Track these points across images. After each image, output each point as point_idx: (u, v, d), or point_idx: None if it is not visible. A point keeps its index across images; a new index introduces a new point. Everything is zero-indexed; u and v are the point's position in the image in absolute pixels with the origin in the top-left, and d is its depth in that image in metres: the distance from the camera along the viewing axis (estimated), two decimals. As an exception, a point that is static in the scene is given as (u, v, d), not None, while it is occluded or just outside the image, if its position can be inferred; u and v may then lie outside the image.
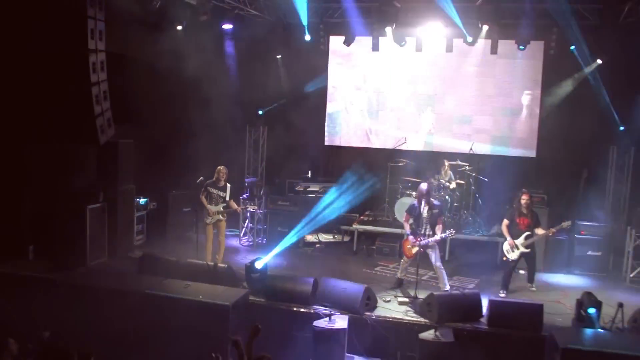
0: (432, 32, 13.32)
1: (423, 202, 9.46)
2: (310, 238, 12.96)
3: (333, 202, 13.09)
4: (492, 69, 14.00)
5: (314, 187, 13.34)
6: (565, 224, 9.87)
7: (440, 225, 9.51)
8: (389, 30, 12.73)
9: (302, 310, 8.59)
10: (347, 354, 8.08)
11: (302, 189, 13.30)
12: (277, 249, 10.63)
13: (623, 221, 12.27)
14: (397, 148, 13.68)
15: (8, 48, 9.04)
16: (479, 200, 12.98)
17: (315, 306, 8.62)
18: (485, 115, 14.14)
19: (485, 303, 8.61)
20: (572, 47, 13.05)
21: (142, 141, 11.72)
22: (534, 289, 10.37)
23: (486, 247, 12.09)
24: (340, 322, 8.05)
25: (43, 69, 8.87)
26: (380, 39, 13.50)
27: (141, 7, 10.44)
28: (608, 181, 13.09)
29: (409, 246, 9.62)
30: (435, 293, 8.59)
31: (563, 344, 7.31)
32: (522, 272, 10.79)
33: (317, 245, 12.72)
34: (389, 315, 8.61)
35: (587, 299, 8.50)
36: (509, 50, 13.34)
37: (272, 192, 13.37)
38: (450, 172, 12.84)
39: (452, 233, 9.55)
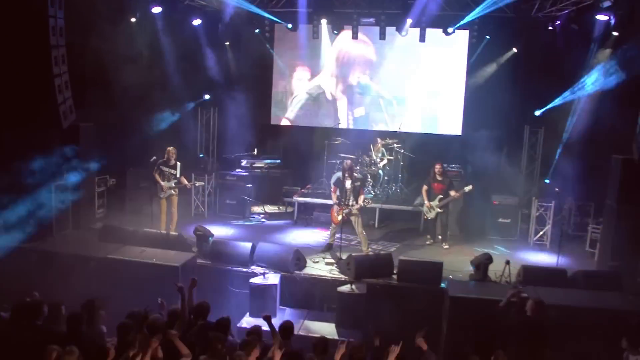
0: (367, 22, 14.72)
1: (347, 176, 10.96)
2: (256, 209, 14.39)
3: (276, 176, 14.60)
4: (421, 55, 15.46)
5: (259, 163, 14.75)
6: (467, 188, 11.92)
7: (362, 196, 11.05)
8: (324, 21, 14.16)
9: (242, 270, 10.05)
10: (279, 307, 9.60)
11: (248, 165, 14.68)
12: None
13: (534, 194, 13.94)
14: (335, 127, 15.17)
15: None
16: (407, 174, 14.56)
17: (252, 266, 10.09)
18: (415, 97, 15.64)
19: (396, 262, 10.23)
20: (487, 37, 14.65)
21: (102, 124, 12.86)
22: (446, 247, 12.17)
23: (411, 216, 13.73)
24: (273, 279, 9.57)
25: (10, 63, 9.99)
26: (320, 27, 14.88)
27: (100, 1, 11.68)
28: (522, 158, 14.71)
29: (335, 214, 11.14)
30: (353, 254, 10.13)
31: (453, 293, 8.98)
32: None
33: (262, 215, 14.16)
34: (315, 273, 10.15)
35: (481, 258, 10.14)
36: (436, 37, 14.77)
37: (221, 168, 14.74)
38: (382, 149, 14.36)
39: (369, 202, 11.20)
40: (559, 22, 13.72)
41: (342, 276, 10.00)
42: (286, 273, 9.91)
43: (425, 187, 12.33)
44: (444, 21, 14.34)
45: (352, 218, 11.02)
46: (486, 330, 7.76)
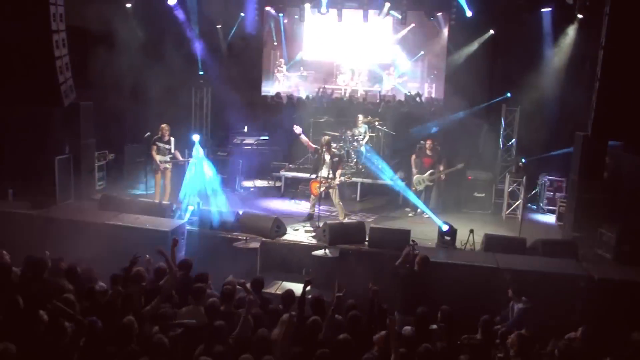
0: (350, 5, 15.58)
1: (324, 151, 11.85)
2: (247, 183, 15.31)
3: (266, 152, 15.51)
4: (404, 35, 16.27)
5: (249, 140, 15.64)
6: (459, 165, 13.02)
7: (340, 170, 11.95)
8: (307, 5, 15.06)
9: (226, 236, 10.99)
10: (260, 271, 10.51)
11: (239, 141, 15.58)
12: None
13: (509, 170, 14.78)
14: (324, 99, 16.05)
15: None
16: (388, 150, 15.42)
17: (236, 233, 11.02)
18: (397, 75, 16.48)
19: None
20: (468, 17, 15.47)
21: (102, 103, 13.74)
22: (426, 216, 12.97)
23: (391, 191, 14.60)
24: (254, 244, 10.53)
25: (15, 47, 10.89)
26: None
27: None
28: (500, 136, 15.53)
29: (315, 187, 12.05)
30: (328, 222, 11.06)
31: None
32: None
33: (251, 188, 15.08)
34: (293, 240, 11.10)
35: (448, 227, 11.04)
36: (418, 19, 15.57)
37: (214, 144, 15.65)
38: (364, 126, 15.22)
39: (349, 178, 12.13)
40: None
41: (318, 242, 10.91)
42: (267, 239, 10.82)
43: (413, 157, 13.37)
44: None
45: (330, 190, 11.92)
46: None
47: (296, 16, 16.64)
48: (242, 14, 15.86)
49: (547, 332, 7.26)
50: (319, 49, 16.79)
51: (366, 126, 15.17)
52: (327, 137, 12.03)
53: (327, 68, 18.68)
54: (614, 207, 11.90)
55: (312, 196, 12.30)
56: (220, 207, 11.54)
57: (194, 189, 12.28)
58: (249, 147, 15.50)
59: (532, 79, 14.92)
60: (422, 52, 17.99)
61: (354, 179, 13.95)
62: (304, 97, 17.65)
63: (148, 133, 12.59)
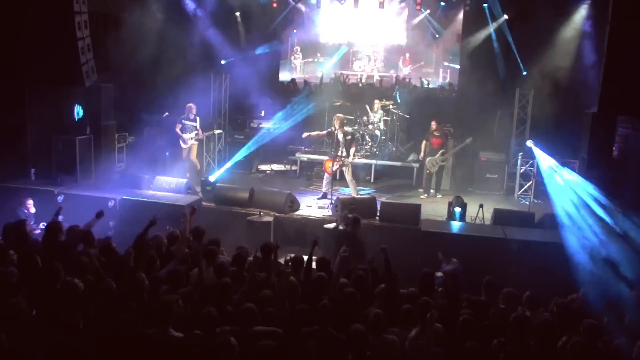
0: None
1: (338, 129, 12.10)
2: (263, 167, 15.62)
3: (282, 135, 15.80)
4: (420, 21, 16.44)
5: (266, 124, 15.93)
6: (468, 140, 13.08)
7: (353, 149, 12.20)
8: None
9: (240, 211, 11.30)
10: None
11: (255, 125, 15.89)
12: (227, 166, 13.70)
13: (522, 151, 14.89)
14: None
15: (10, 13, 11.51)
16: (402, 134, 15.63)
17: (250, 208, 11.32)
18: (412, 61, 16.65)
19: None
20: (485, 5, 15.61)
21: (122, 87, 14.14)
22: (440, 196, 13.24)
23: (405, 172, 14.84)
24: (267, 217, 10.82)
25: (40, 27, 11.32)
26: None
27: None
28: (513, 119, 15.63)
29: (328, 165, 12.31)
30: (340, 197, 11.32)
31: (425, 228, 10.13)
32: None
33: (268, 172, 15.38)
34: (306, 214, 11.37)
35: (456, 201, 11.24)
36: (433, 4, 15.75)
37: (233, 128, 15.99)
38: (381, 111, 15.45)
39: (362, 154, 12.38)
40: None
41: (331, 217, 11.17)
42: (280, 214, 11.11)
43: (424, 142, 13.49)
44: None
45: (344, 168, 12.19)
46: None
47: (313, 1, 16.90)
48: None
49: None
50: (336, 35, 17.01)
51: (382, 112, 15.38)
52: (340, 116, 12.28)
53: (343, 54, 18.93)
54: (623, 185, 11.99)
55: (325, 175, 12.55)
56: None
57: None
58: (266, 131, 15.72)
59: (547, 61, 14.98)
60: (437, 36, 18.24)
61: (368, 161, 14.20)
62: (319, 82, 17.91)
63: (166, 113, 12.93)
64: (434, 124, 13.40)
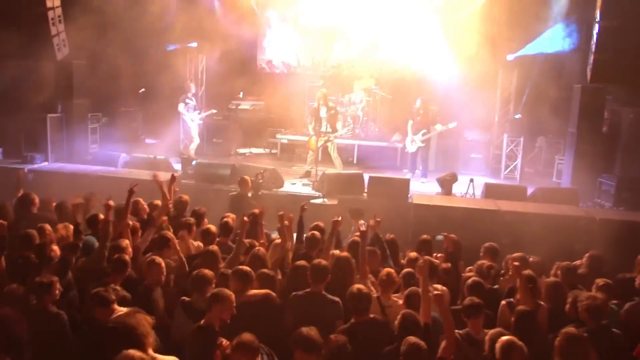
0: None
1: (321, 104, 11.70)
2: (242, 150, 15.13)
3: (262, 118, 15.35)
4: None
5: (244, 106, 15.45)
6: (452, 124, 12.56)
7: (340, 122, 11.88)
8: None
9: (222, 188, 10.82)
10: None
11: (234, 107, 15.40)
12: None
13: (506, 130, 14.63)
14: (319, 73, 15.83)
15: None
16: (385, 114, 15.27)
17: (232, 185, 10.85)
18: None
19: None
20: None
21: (95, 65, 13.55)
22: (424, 181, 12.80)
23: (389, 153, 14.48)
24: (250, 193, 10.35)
25: None
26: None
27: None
28: (496, 99, 15.34)
29: (312, 142, 11.90)
30: (326, 171, 10.90)
31: (417, 201, 9.78)
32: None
33: (247, 154, 14.90)
34: (292, 191, 10.94)
35: (445, 175, 10.93)
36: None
37: (210, 109, 15.42)
38: (362, 91, 15.09)
39: (348, 130, 11.97)
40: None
41: (317, 193, 10.76)
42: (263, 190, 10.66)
43: (410, 122, 12.90)
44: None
45: (328, 144, 11.78)
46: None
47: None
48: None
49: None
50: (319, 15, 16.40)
51: (363, 92, 15.01)
52: (323, 91, 11.90)
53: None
54: (612, 160, 11.84)
55: (310, 152, 12.14)
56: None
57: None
58: (245, 113, 15.23)
59: (528, 37, 14.72)
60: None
61: (351, 141, 13.83)
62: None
63: (142, 89, 12.39)
64: (420, 102, 12.96)
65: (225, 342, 4.57)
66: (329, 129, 11.69)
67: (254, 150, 15.32)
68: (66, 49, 11.59)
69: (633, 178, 10.81)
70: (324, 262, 5.64)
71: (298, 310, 5.35)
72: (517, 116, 13.90)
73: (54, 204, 7.76)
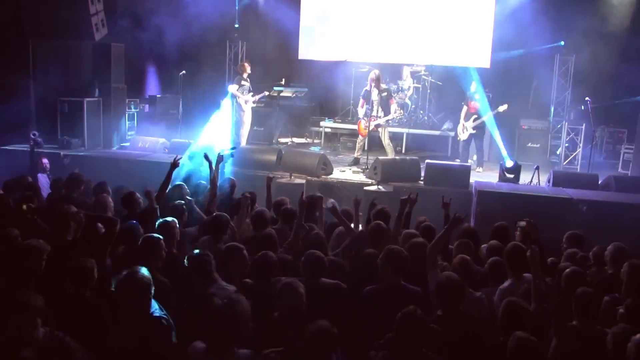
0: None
1: (373, 87, 10.96)
2: (283, 140, 14.46)
3: (304, 107, 14.65)
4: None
5: (287, 93, 14.74)
6: (502, 107, 11.54)
7: (394, 105, 11.14)
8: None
9: (268, 174, 10.10)
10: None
11: (275, 94, 14.67)
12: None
13: (566, 118, 13.82)
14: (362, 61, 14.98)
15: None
16: (434, 102, 14.44)
17: (277, 172, 10.14)
18: (440, 29, 15.34)
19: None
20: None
21: (135, 50, 13.02)
22: (480, 170, 11.96)
23: (438, 142, 13.68)
24: (299, 180, 9.67)
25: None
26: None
27: None
28: (553, 86, 14.50)
29: (363, 127, 11.16)
30: (380, 157, 10.16)
31: (480, 188, 8.98)
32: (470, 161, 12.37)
33: (289, 143, 14.21)
34: (342, 178, 10.22)
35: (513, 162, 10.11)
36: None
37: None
38: (410, 79, 14.29)
39: (400, 113, 11.18)
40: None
41: (369, 180, 10.03)
42: (312, 177, 9.96)
43: (465, 109, 12.03)
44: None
45: (379, 129, 11.04)
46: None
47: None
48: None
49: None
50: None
51: (411, 79, 14.23)
52: (375, 72, 11.15)
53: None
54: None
55: (359, 138, 11.42)
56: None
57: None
58: (287, 100, 14.47)
59: (590, 25, 13.81)
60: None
61: (399, 129, 13.06)
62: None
63: (183, 72, 11.79)
64: (473, 85, 12.07)
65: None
66: (381, 113, 10.93)
67: (296, 140, 14.64)
68: (105, 29, 11.06)
69: None
70: (403, 251, 4.92)
71: (376, 305, 4.66)
72: (587, 99, 12.87)
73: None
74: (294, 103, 14.80)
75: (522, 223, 6.43)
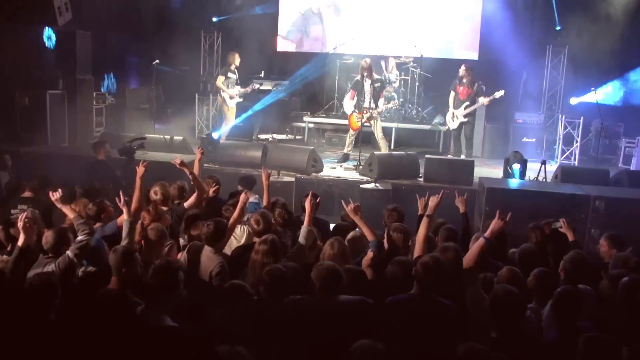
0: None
1: (365, 77, 10.13)
2: (263, 136, 13.54)
3: (284, 101, 13.75)
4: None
5: (266, 86, 13.83)
6: (499, 93, 10.77)
7: (382, 99, 10.25)
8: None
9: (252, 172, 9.21)
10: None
11: (255, 87, 13.74)
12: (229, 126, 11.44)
13: (561, 111, 13.19)
14: (346, 52, 14.14)
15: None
16: (423, 94, 13.65)
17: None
18: (430, 20, 14.62)
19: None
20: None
21: (101, 39, 12.03)
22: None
23: (429, 137, 12.92)
24: (288, 178, 8.79)
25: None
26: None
27: None
28: (545, 78, 13.83)
29: (354, 120, 10.32)
30: (376, 152, 9.33)
31: (489, 184, 8.19)
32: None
33: (270, 139, 13.28)
34: (334, 175, 9.36)
35: (514, 157, 9.36)
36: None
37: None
38: (396, 71, 13.50)
39: (395, 104, 10.36)
40: None
41: (364, 177, 9.19)
42: (302, 175, 9.09)
43: (452, 94, 11.15)
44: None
45: (372, 122, 10.22)
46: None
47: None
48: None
49: None
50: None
51: (398, 72, 13.43)
52: (367, 60, 10.30)
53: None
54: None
55: (349, 132, 10.57)
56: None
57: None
58: (267, 94, 13.55)
59: (584, 15, 13.19)
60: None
61: (388, 124, 12.23)
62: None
63: (157, 61, 10.83)
64: (463, 69, 11.13)
65: None
66: (373, 105, 10.11)
67: (276, 136, 13.70)
68: (69, 14, 10.05)
69: None
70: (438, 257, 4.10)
71: (401, 318, 3.84)
72: (593, 89, 12.18)
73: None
74: (273, 97, 13.85)
75: (558, 224, 5.68)
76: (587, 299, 4.26)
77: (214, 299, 4.01)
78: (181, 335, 3.47)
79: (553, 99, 13.69)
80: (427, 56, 13.55)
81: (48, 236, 4.34)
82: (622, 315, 4.17)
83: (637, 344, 3.45)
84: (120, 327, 3.51)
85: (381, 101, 10.18)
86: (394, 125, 12.55)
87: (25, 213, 4.54)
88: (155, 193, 5.89)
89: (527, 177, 9.41)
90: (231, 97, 11.37)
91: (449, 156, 11.42)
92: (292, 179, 8.78)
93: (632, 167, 11.22)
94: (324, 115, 13.41)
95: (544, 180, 9.25)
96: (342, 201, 5.38)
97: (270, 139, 13.31)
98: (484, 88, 11.35)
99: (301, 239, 4.83)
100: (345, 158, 10.61)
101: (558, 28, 13.44)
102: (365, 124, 10.11)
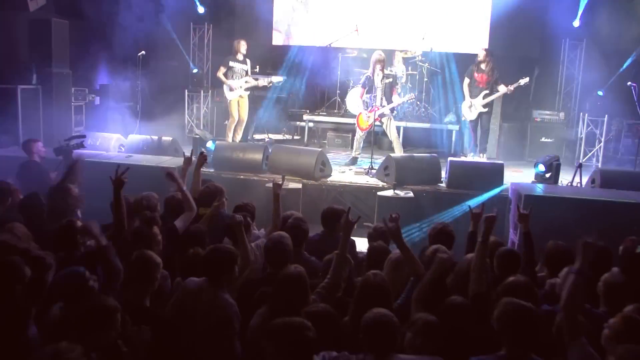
0: None
1: (377, 70, 9.09)
2: (258, 136, 12.48)
3: (282, 99, 12.72)
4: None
5: (262, 82, 12.72)
6: (523, 80, 9.83)
7: (395, 95, 9.24)
8: None
9: (252, 177, 8.16)
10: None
11: (270, 82, 12.65)
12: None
13: (574, 109, 12.41)
14: (348, 46, 13.08)
15: None
16: (432, 91, 12.64)
17: (264, 174, 8.22)
18: (438, 13, 13.61)
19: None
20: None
21: (80, 31, 10.95)
22: (483, 159, 10.23)
23: (439, 136, 11.93)
24: (294, 184, 7.71)
25: None
26: None
27: None
28: (560, 74, 12.91)
29: (364, 118, 9.27)
30: (392, 155, 8.29)
31: (525, 191, 7.15)
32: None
33: (266, 140, 12.19)
34: (346, 181, 8.30)
35: (550, 159, 8.40)
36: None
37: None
38: (402, 66, 12.48)
39: (411, 97, 9.40)
40: None
41: (380, 183, 8.14)
42: (310, 181, 8.02)
43: (466, 80, 10.16)
44: None
45: (384, 120, 9.18)
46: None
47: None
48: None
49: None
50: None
51: (404, 66, 12.40)
52: (380, 52, 9.26)
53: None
54: None
55: (358, 133, 9.52)
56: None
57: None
58: (262, 90, 12.44)
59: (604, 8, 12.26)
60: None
61: (397, 123, 11.18)
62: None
63: (142, 52, 9.74)
64: (483, 53, 10.13)
65: None
66: (384, 102, 9.07)
67: (272, 136, 12.63)
68: (43, -1, 8.91)
69: None
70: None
71: None
72: (600, 92, 11.41)
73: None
74: (269, 94, 12.76)
75: None
76: None
77: None
78: None
79: (569, 96, 12.78)
80: (437, 50, 12.57)
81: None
82: None
83: None
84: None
85: (395, 97, 9.12)
86: (402, 124, 11.50)
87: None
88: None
89: (559, 183, 8.43)
90: (231, 89, 10.27)
91: (463, 157, 10.42)
92: (299, 185, 7.68)
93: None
94: (325, 113, 12.33)
95: (579, 184, 8.26)
96: (382, 218, 4.30)
97: (266, 139, 12.26)
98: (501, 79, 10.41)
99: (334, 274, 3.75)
100: (353, 161, 9.58)
101: (577, 24, 12.48)
102: (377, 122, 9.05)
